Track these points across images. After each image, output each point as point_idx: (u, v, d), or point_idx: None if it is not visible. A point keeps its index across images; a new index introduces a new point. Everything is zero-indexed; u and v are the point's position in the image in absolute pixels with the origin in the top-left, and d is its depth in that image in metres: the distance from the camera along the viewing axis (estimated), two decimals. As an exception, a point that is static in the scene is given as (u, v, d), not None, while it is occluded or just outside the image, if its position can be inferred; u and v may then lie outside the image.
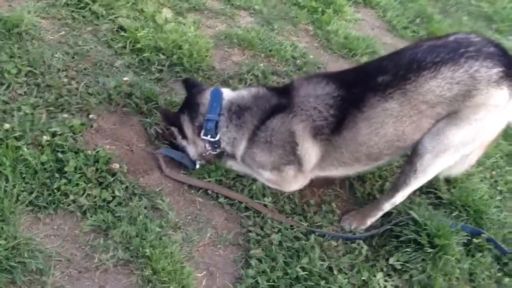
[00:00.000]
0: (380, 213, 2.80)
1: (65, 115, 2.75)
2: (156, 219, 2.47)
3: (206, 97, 2.73)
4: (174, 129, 2.86)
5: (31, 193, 2.36)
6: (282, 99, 2.64)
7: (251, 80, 3.52)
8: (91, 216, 2.38)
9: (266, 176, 2.77)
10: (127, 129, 2.87)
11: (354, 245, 2.66)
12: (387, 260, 2.62)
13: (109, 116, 2.90)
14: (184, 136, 2.81)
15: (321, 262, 2.51)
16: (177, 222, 2.52)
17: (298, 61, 3.89)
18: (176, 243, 2.40)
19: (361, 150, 2.56)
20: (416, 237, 2.63)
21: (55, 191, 2.40)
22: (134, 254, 2.30)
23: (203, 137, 2.71)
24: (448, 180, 3.18)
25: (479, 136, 2.51)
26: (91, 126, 2.78)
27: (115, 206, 2.46)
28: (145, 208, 2.50)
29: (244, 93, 2.76)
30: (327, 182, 2.97)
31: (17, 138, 2.54)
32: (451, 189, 3.10)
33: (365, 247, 2.65)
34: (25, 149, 2.47)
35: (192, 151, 2.83)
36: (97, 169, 2.54)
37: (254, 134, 2.65)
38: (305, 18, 4.49)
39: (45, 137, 2.56)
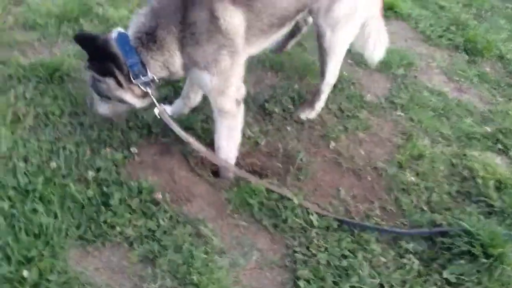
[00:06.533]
0: (323, 96, 3.41)
1: (108, 150, 2.85)
2: (201, 246, 2.48)
3: (113, 46, 2.57)
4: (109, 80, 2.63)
5: (79, 227, 2.44)
6: None
7: (287, 102, 3.55)
8: (138, 247, 2.42)
9: (209, 81, 2.64)
10: (168, 159, 2.93)
11: (404, 260, 2.57)
12: (440, 274, 2.52)
13: (149, 147, 2.97)
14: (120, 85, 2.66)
15: (372, 280, 2.44)
16: (222, 247, 2.52)
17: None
18: (223, 268, 2.40)
19: (275, 13, 2.78)
20: (470, 248, 2.53)
21: (102, 224, 2.46)
22: (182, 282, 2.31)
23: (136, 81, 2.60)
24: (498, 188, 3.06)
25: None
26: (133, 159, 2.86)
27: (161, 235, 2.49)
28: (190, 235, 2.52)
29: (140, 19, 2.59)
30: (372, 195, 2.92)
31: (64, 176, 2.66)
32: (502, 196, 2.98)
33: (416, 262, 2.56)
34: (71, 185, 2.57)
35: (130, 98, 2.70)
36: (141, 200, 2.60)
37: (181, 37, 2.54)
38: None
39: (90, 173, 2.67)
